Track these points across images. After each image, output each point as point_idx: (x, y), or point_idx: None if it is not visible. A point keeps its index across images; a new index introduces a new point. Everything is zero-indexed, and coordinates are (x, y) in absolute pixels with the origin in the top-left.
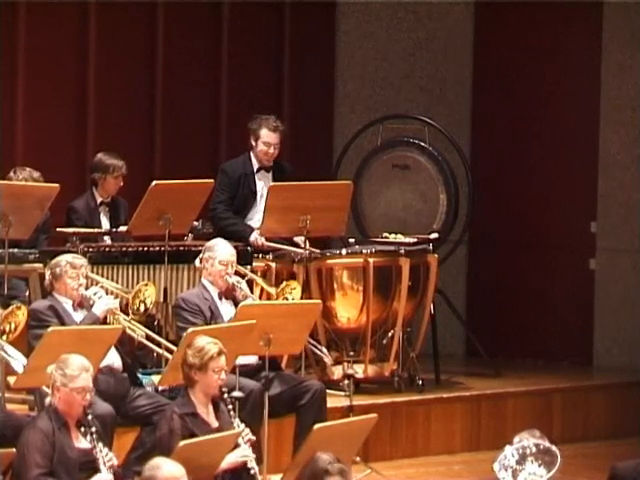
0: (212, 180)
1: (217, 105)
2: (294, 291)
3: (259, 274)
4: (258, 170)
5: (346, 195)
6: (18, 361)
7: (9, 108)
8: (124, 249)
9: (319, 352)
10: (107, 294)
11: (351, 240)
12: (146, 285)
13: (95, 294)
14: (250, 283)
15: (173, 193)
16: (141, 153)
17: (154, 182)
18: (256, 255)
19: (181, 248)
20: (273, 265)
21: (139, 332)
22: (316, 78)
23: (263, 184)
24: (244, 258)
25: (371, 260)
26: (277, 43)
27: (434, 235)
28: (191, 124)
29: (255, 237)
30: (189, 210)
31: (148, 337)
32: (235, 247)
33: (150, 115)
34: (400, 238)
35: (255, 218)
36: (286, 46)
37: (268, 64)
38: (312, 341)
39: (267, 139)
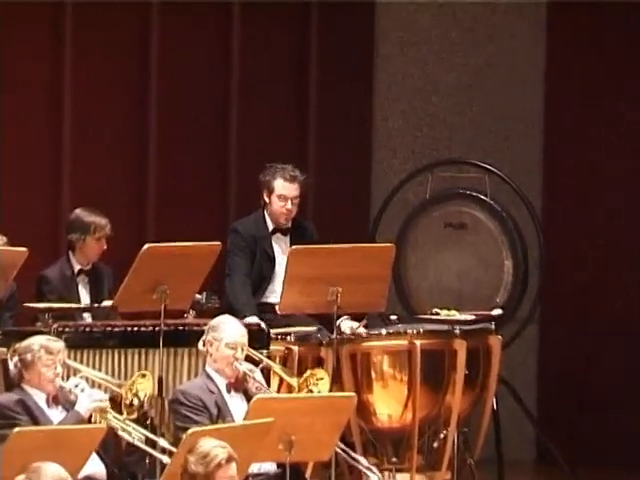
0: (219, 243)
1: (225, 150)
2: (321, 382)
3: (277, 360)
4: (273, 232)
5: (387, 261)
6: None
7: None
8: (109, 329)
9: (358, 464)
10: (91, 386)
11: (393, 317)
12: (143, 376)
13: (77, 386)
14: (266, 372)
15: (170, 259)
16: (130, 209)
17: (146, 245)
18: (274, 336)
19: (180, 328)
20: (295, 349)
21: (136, 435)
22: (349, 115)
23: (280, 249)
24: (259, 340)
25: (418, 342)
26: (301, 71)
27: (497, 311)
28: (193, 173)
29: (248, 322)
30: (190, 280)
31: (147, 440)
32: (247, 326)
33: (141, 162)
34: (454, 315)
35: (278, 291)
36: (312, 75)
37: (290, 97)
38: (348, 450)
39: (283, 191)
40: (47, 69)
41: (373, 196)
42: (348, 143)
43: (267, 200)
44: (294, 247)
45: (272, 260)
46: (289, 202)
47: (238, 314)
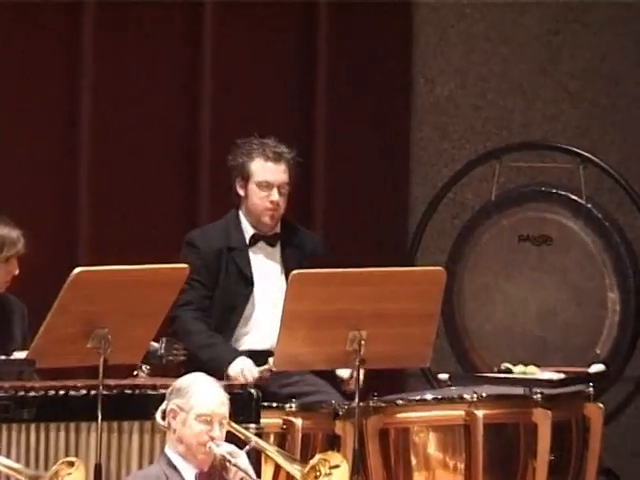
0: (185, 265)
1: (194, 134)
2: (336, 472)
3: (272, 439)
4: (253, 241)
5: (433, 292)
6: None
7: None
8: (21, 394)
9: None
10: None
11: (443, 376)
12: (71, 464)
13: None
14: (256, 457)
15: (113, 289)
16: (55, 217)
17: (78, 269)
18: (267, 404)
19: (128, 392)
20: (298, 422)
21: None
22: (376, 77)
23: (261, 267)
24: (245, 410)
25: (480, 413)
26: (307, 13)
27: (598, 367)
28: (146, 166)
29: (240, 368)
30: (142, 321)
31: None
32: (228, 387)
33: (70, 150)
34: (534, 373)
35: (256, 333)
36: (321, 16)
37: (289, 50)
38: None
39: (265, 176)
40: None
41: (413, 197)
42: (375, 119)
43: (242, 193)
44: (297, 272)
45: (249, 282)
46: (275, 191)
47: (219, 365)
